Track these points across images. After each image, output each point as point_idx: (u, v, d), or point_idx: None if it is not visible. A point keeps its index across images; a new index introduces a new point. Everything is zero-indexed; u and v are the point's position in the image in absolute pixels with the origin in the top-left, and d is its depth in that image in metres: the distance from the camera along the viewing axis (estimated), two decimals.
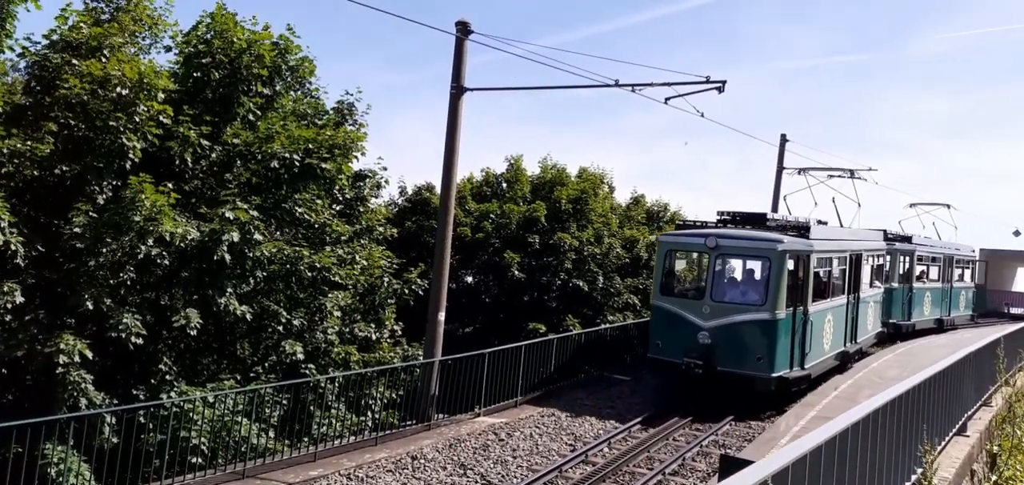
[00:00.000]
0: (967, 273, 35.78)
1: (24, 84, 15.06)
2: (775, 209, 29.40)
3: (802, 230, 17.69)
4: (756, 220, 18.29)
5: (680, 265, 19.82)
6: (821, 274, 18.55)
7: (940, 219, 35.24)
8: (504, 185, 32.78)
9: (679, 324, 17.05)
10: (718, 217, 18.93)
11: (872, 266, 22.69)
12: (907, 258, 28.17)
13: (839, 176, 26.16)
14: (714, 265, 17.13)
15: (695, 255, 18.79)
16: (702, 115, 17.36)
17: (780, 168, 30.61)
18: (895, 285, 27.10)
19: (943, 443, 10.31)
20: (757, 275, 17.54)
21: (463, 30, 16.67)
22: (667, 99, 16.45)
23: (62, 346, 11.96)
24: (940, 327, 30.93)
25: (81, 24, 14.84)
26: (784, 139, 31.38)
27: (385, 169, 20.59)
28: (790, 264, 16.87)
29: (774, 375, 16.36)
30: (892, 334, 26.64)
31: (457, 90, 16.84)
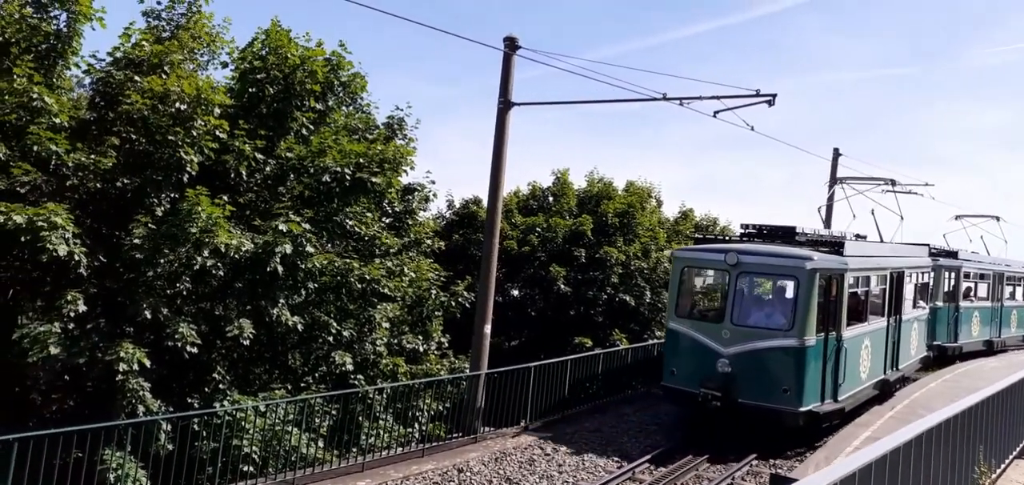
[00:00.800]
0: (1019, 290, 33.00)
1: (89, 100, 15.60)
2: (828, 224, 28.81)
3: (836, 246, 16.23)
4: (784, 234, 16.79)
5: (698, 284, 17.95)
6: (858, 294, 16.86)
7: (989, 232, 32.86)
8: (550, 199, 32.79)
9: (696, 350, 15.52)
10: (742, 230, 17.52)
11: (916, 284, 20.94)
12: (953, 274, 25.98)
13: (883, 189, 23.90)
14: (735, 284, 15.46)
15: (713, 273, 17.19)
16: (752, 129, 17.17)
17: (833, 181, 30.01)
18: (940, 304, 25.11)
19: (1002, 466, 10.00)
20: (784, 296, 16.08)
21: (511, 45, 16.80)
22: (716, 112, 16.32)
23: (122, 354, 12.32)
24: (990, 349, 28.87)
25: (143, 42, 15.32)
26: (837, 153, 30.81)
27: (433, 182, 20.83)
28: (821, 284, 15.26)
29: (802, 409, 14.77)
30: (938, 358, 24.67)
31: (504, 104, 16.97)
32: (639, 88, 16.36)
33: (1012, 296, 32.02)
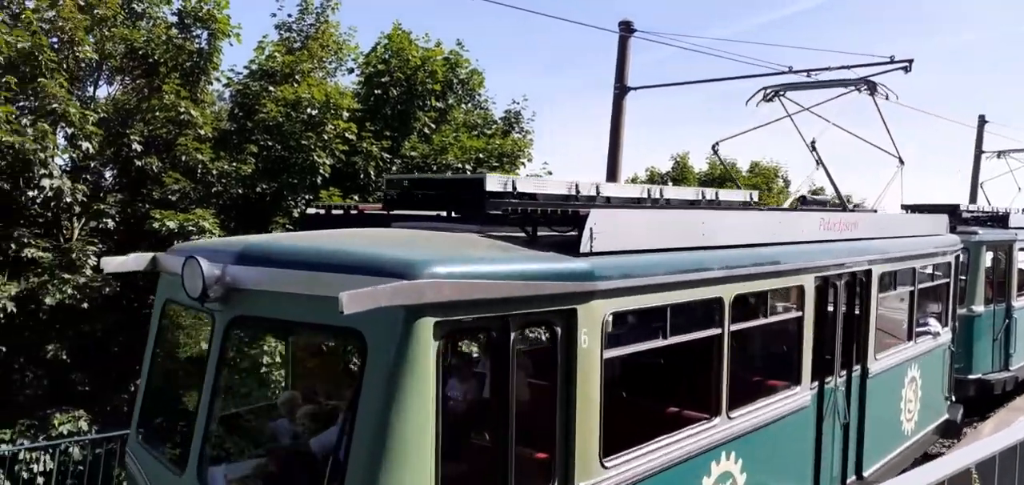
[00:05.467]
0: None
1: (229, 111, 16.67)
2: (973, 198, 26.88)
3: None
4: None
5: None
6: None
7: None
8: (670, 183, 32.28)
9: None
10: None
11: None
12: None
13: None
14: None
15: None
16: (887, 98, 16.24)
17: (978, 152, 27.97)
18: None
19: None
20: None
21: (627, 28, 16.64)
22: (846, 83, 15.51)
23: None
24: None
25: (276, 54, 16.23)
26: (982, 120, 28.67)
27: (550, 173, 20.91)
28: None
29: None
30: None
31: (621, 89, 16.82)
32: (764, 63, 15.75)
33: None
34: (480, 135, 18.75)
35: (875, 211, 12.03)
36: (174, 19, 15.59)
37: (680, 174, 31.91)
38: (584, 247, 5.65)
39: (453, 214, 7.07)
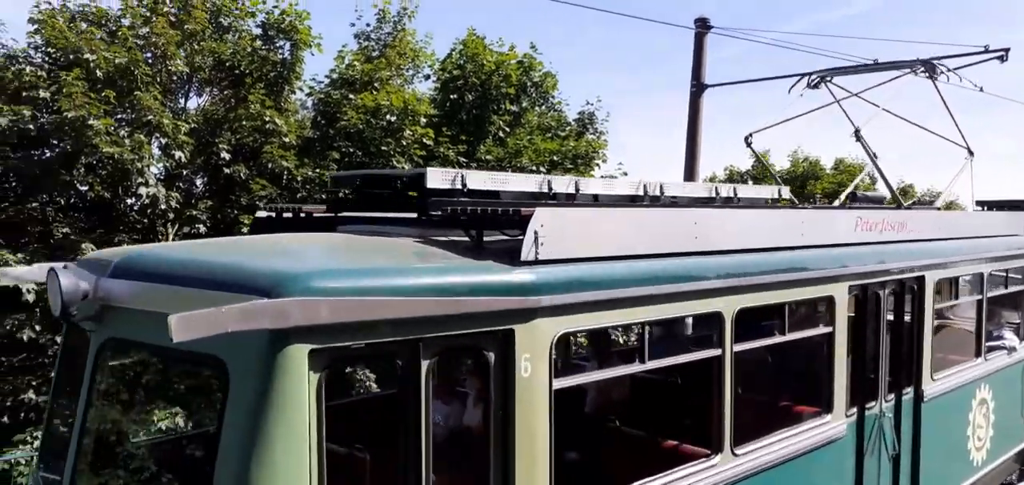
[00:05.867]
0: None
1: (312, 119, 17.18)
2: None
3: None
4: None
5: None
6: None
7: None
8: (751, 182, 31.60)
9: None
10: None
11: None
12: None
13: None
14: None
15: None
16: (981, 89, 15.42)
17: None
18: None
19: None
20: None
21: (703, 25, 16.43)
22: (934, 74, 14.84)
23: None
24: None
25: (355, 63, 16.64)
26: None
27: (625, 174, 20.79)
28: None
29: None
30: None
31: (697, 88, 16.63)
32: (846, 56, 15.17)
33: None
34: (554, 137, 18.80)
35: (935, 208, 10.85)
36: (258, 31, 16.16)
37: (760, 172, 31.23)
38: (526, 254, 4.70)
39: (403, 216, 6.18)
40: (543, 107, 20.20)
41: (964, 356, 9.80)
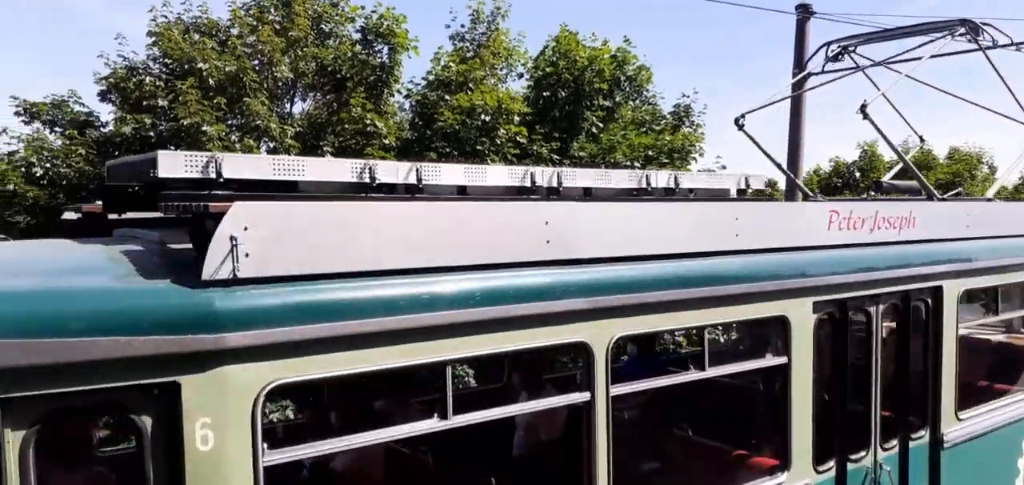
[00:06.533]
0: None
1: (410, 121, 17.58)
2: None
3: None
4: None
5: None
6: None
7: None
8: (857, 174, 30.28)
9: None
10: None
11: None
12: None
13: None
14: None
15: None
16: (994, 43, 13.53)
17: None
18: None
19: None
20: None
21: (805, 11, 15.87)
22: None
23: None
24: None
25: (450, 64, 16.94)
26: None
27: (724, 168, 20.25)
28: None
29: None
30: None
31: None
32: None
33: None
34: (648, 131, 18.56)
35: (985, 199, 8.51)
36: (358, 36, 16.67)
37: (868, 164, 29.86)
38: (211, 270, 3.26)
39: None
40: (637, 101, 19.97)
41: (1007, 387, 7.77)
